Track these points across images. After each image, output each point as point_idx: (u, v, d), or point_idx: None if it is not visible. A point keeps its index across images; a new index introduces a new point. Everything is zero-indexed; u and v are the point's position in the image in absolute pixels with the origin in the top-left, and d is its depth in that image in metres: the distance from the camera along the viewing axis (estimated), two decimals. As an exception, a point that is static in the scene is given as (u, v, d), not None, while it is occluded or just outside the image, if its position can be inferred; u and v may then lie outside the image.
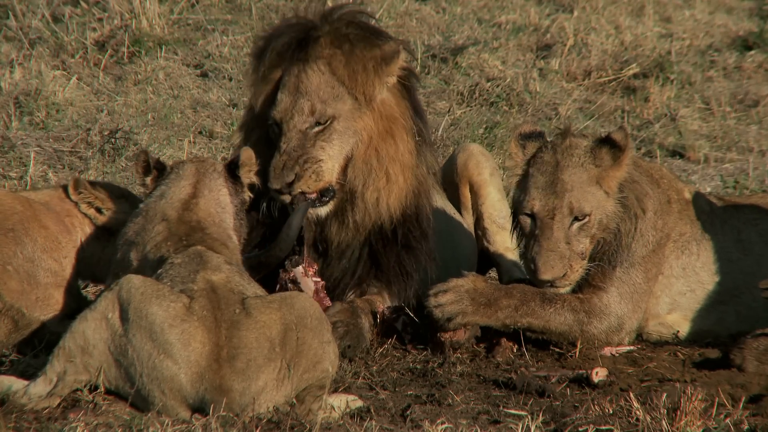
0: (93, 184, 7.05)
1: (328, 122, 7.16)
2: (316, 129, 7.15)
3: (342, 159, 7.20)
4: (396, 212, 7.30)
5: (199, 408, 5.81)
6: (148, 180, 6.70)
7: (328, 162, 7.16)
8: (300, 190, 7.10)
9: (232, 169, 6.72)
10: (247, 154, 6.73)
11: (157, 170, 6.70)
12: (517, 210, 7.15)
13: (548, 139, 7.20)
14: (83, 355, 5.90)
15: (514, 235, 7.29)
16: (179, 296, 5.89)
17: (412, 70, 7.44)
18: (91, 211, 6.99)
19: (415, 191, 7.34)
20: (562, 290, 7.04)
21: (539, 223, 7.01)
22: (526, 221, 7.07)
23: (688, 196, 7.38)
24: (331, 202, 7.22)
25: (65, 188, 7.01)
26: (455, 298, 7.01)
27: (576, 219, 7.02)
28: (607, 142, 7.07)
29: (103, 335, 5.89)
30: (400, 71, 7.27)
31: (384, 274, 7.36)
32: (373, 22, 7.43)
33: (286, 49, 7.22)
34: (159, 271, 6.13)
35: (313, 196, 7.17)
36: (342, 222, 7.28)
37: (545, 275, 6.95)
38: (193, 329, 5.83)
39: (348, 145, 7.21)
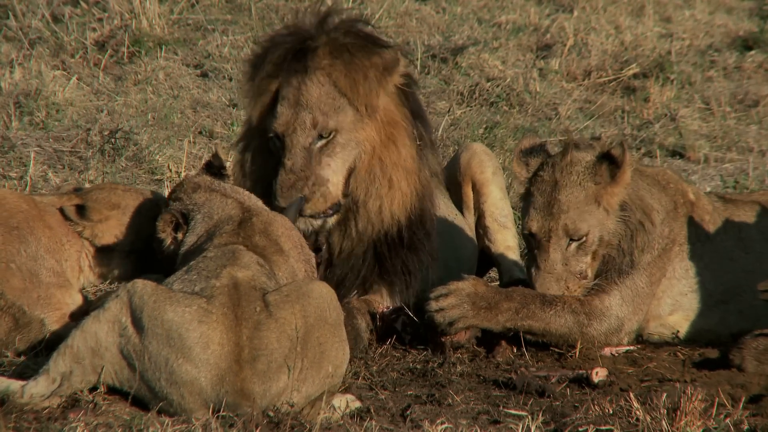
0: (81, 206, 6.97)
1: (331, 136, 7.11)
2: (320, 144, 7.10)
3: (345, 172, 7.17)
4: (400, 217, 7.27)
5: (219, 409, 5.80)
6: (181, 234, 6.64)
7: (334, 179, 7.12)
8: (309, 212, 7.08)
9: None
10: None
11: (185, 221, 6.63)
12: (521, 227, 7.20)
13: (550, 154, 7.18)
14: (93, 357, 5.89)
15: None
16: (193, 299, 5.86)
17: (411, 74, 7.41)
18: (87, 235, 6.99)
19: (419, 194, 7.33)
20: None
21: (536, 244, 7.05)
22: (528, 240, 7.11)
23: (692, 197, 7.37)
24: (336, 215, 7.21)
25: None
26: (456, 302, 7.00)
27: (572, 240, 7.02)
28: (607, 157, 7.06)
29: (116, 339, 5.87)
30: (400, 78, 7.25)
31: (388, 274, 7.36)
32: (369, 28, 7.34)
33: (283, 59, 7.13)
34: (191, 262, 6.12)
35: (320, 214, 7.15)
36: (345, 232, 7.25)
37: None
38: (211, 331, 5.81)
39: (351, 157, 7.17)
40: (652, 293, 7.20)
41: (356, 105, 7.13)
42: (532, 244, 7.09)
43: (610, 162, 7.04)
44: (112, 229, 7.00)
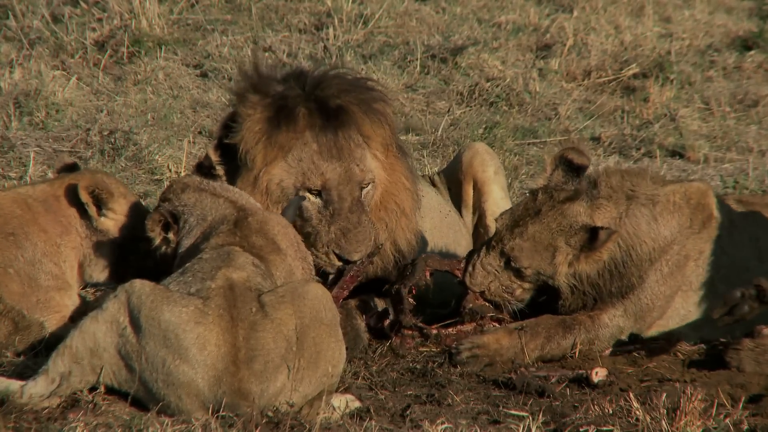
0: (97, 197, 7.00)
1: (369, 185, 7.17)
2: (364, 192, 7.15)
3: None
4: (412, 241, 7.34)
5: (219, 410, 5.79)
6: (171, 234, 6.61)
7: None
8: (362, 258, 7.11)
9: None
10: None
11: (176, 222, 6.60)
12: None
13: (571, 184, 7.18)
14: (92, 357, 5.88)
15: None
16: (190, 300, 5.85)
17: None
18: (93, 210, 6.98)
19: (416, 205, 7.39)
20: None
21: (488, 240, 7.32)
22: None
23: (714, 212, 7.29)
24: None
25: (71, 187, 6.98)
26: (484, 353, 7.05)
27: (509, 263, 7.13)
28: (593, 231, 7.04)
29: (114, 339, 5.87)
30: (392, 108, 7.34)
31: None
32: (351, 71, 7.43)
33: (315, 116, 7.12)
34: (186, 264, 6.11)
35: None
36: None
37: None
38: (207, 332, 5.80)
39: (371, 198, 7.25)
40: (659, 307, 7.20)
41: (374, 150, 7.19)
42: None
43: (592, 234, 7.03)
44: (120, 216, 7.03)
